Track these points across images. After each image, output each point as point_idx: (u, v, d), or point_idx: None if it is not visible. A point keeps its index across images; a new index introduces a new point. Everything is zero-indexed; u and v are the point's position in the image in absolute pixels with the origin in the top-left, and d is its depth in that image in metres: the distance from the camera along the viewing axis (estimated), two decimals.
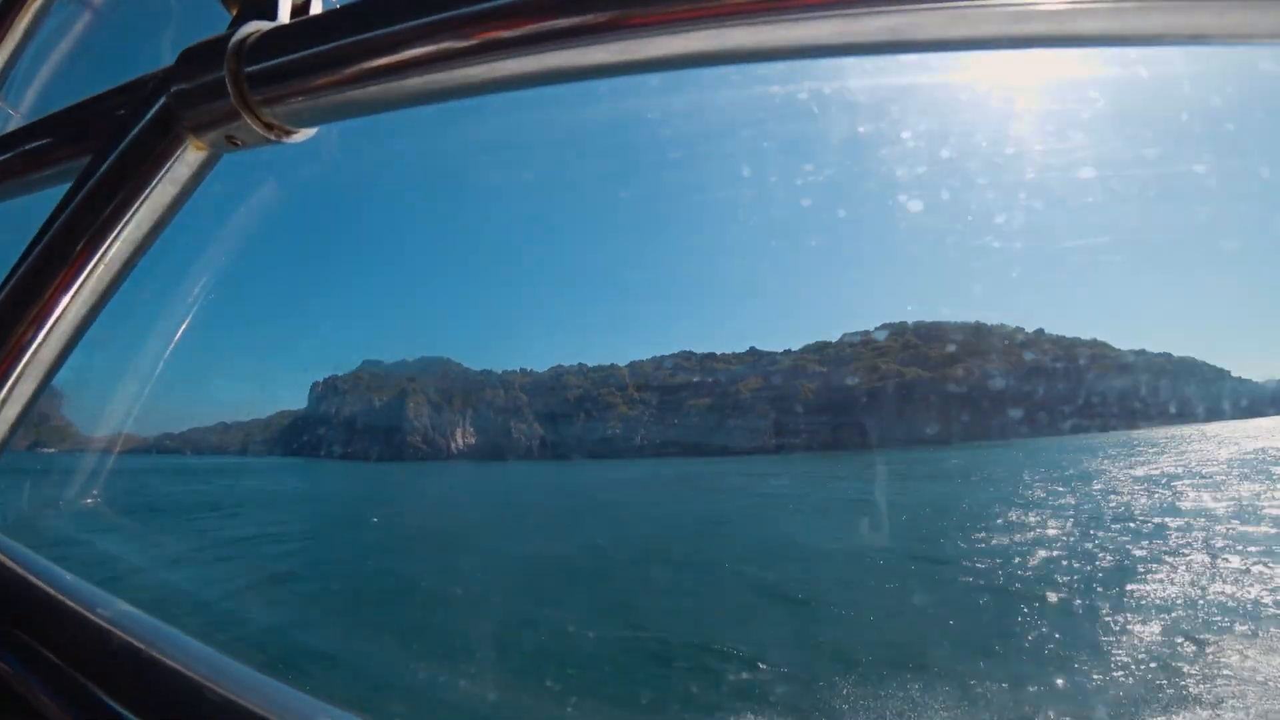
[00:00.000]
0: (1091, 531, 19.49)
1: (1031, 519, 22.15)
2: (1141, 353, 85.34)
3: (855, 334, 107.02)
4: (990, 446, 71.23)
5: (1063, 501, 25.73)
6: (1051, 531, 19.78)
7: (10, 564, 0.99)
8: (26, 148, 1.04)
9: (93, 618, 0.87)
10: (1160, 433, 69.73)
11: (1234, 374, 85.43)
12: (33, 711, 0.77)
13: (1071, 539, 18.75)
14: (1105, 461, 42.86)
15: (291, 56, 0.76)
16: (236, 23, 0.81)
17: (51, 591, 0.93)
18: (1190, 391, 79.75)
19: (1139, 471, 36.45)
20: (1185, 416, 76.54)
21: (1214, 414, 75.52)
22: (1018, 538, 19.05)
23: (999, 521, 21.64)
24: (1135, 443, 60.18)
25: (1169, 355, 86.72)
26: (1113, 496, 26.44)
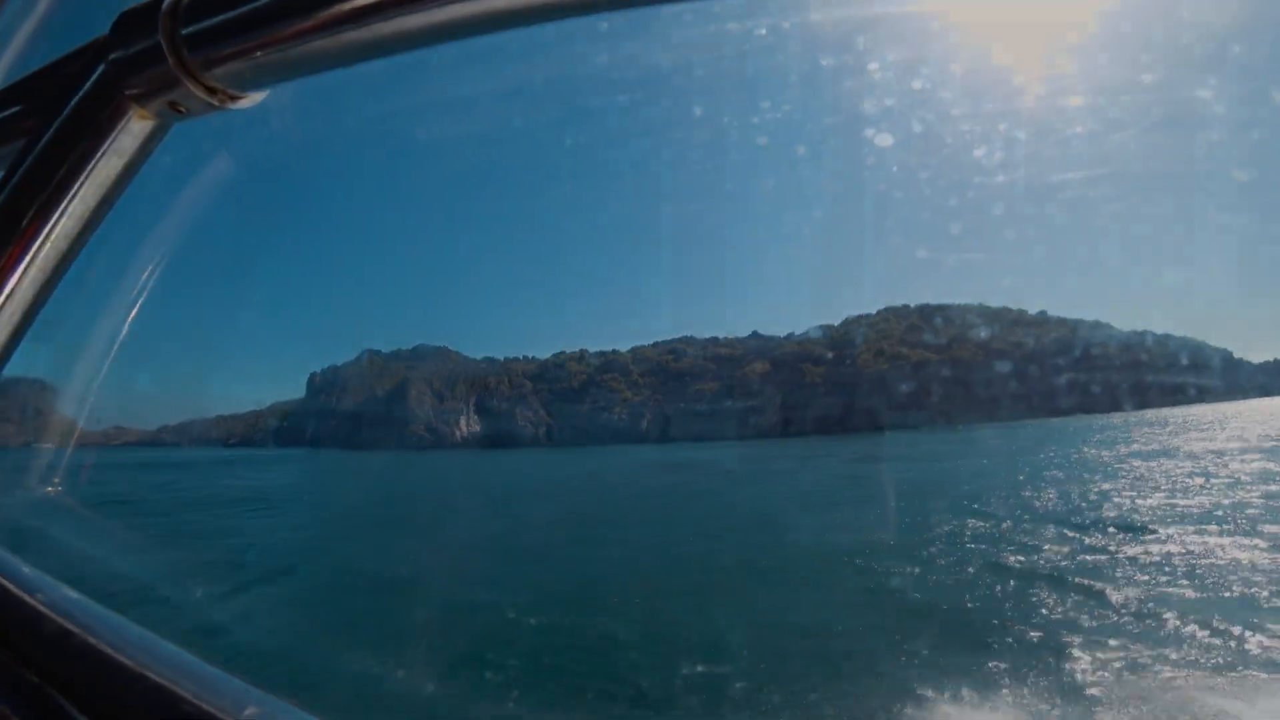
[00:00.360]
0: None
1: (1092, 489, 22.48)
2: (1145, 333, 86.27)
3: (859, 316, 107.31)
4: (999, 427, 71.94)
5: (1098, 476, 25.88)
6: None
7: None
8: None
9: (51, 614, 0.82)
10: (1172, 413, 70.56)
11: (1235, 355, 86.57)
12: None
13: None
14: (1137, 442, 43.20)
15: (230, 14, 0.72)
16: None
17: (9, 587, 0.88)
18: (1197, 371, 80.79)
19: (1196, 445, 36.71)
20: (1194, 397, 77.49)
21: (1222, 394, 76.62)
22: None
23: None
24: (1150, 421, 60.96)
25: (1170, 335, 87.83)
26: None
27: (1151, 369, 79.93)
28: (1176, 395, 77.13)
